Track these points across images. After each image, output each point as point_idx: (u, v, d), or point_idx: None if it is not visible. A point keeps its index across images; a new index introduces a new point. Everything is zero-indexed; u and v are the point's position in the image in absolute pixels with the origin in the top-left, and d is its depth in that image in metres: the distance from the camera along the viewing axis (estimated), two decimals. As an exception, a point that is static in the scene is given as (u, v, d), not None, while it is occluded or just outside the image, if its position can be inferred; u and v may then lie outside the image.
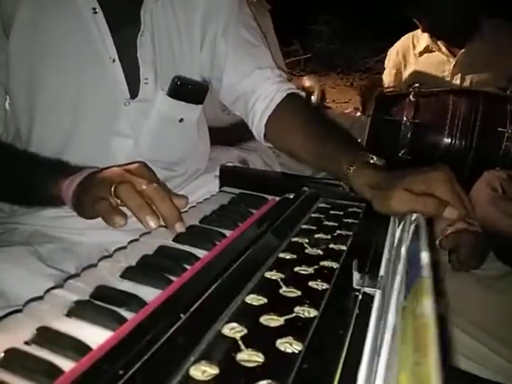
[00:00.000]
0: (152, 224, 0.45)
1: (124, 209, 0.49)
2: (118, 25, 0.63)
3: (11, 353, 0.29)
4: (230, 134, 1.06)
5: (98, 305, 0.35)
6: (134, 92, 0.67)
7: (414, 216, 0.48)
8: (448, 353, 0.22)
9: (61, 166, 0.61)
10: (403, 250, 0.42)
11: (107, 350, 0.29)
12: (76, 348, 0.30)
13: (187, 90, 0.71)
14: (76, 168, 0.55)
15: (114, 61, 0.64)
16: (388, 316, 0.32)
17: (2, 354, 0.29)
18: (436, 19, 1.33)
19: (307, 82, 1.51)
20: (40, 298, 0.36)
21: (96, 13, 0.62)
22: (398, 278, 0.37)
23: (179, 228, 0.48)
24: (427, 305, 0.26)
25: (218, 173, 0.74)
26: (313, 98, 1.48)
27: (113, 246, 0.59)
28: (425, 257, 0.34)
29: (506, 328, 0.74)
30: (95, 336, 0.31)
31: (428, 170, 0.51)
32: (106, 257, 0.45)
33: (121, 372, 0.26)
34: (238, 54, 0.72)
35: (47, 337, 0.31)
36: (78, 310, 0.34)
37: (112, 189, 0.47)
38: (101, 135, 0.67)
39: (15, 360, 0.29)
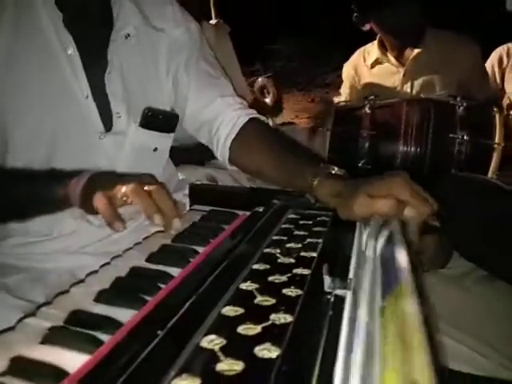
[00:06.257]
0: (158, 220, 0.49)
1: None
2: (89, 63, 0.66)
3: (-16, 386, 0.28)
4: (197, 153, 1.07)
5: (73, 330, 0.35)
6: (108, 125, 0.69)
7: (380, 220, 0.50)
8: (437, 350, 0.23)
9: (61, 172, 0.62)
10: (371, 252, 0.44)
11: (85, 373, 0.29)
12: (53, 374, 0.29)
13: (158, 120, 0.74)
14: (76, 171, 0.57)
15: (87, 97, 0.66)
16: (360, 315, 0.33)
17: (-25, 388, 0.28)
18: (393, 17, 1.41)
19: (261, 82, 1.53)
20: (12, 328, 0.35)
21: (70, 53, 0.65)
22: (367, 279, 0.38)
23: (177, 224, 0.51)
24: (411, 306, 0.27)
25: (187, 191, 0.75)
26: (267, 99, 1.52)
27: (82, 270, 0.58)
28: (402, 260, 0.36)
29: (477, 323, 0.76)
30: (72, 361, 0.31)
31: (386, 176, 0.54)
32: (77, 282, 0.44)
33: (101, 393, 0.26)
34: (200, 84, 0.77)
35: (22, 366, 0.30)
36: (52, 337, 0.33)
37: (123, 189, 0.49)
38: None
39: (-11, 393, 0.28)
